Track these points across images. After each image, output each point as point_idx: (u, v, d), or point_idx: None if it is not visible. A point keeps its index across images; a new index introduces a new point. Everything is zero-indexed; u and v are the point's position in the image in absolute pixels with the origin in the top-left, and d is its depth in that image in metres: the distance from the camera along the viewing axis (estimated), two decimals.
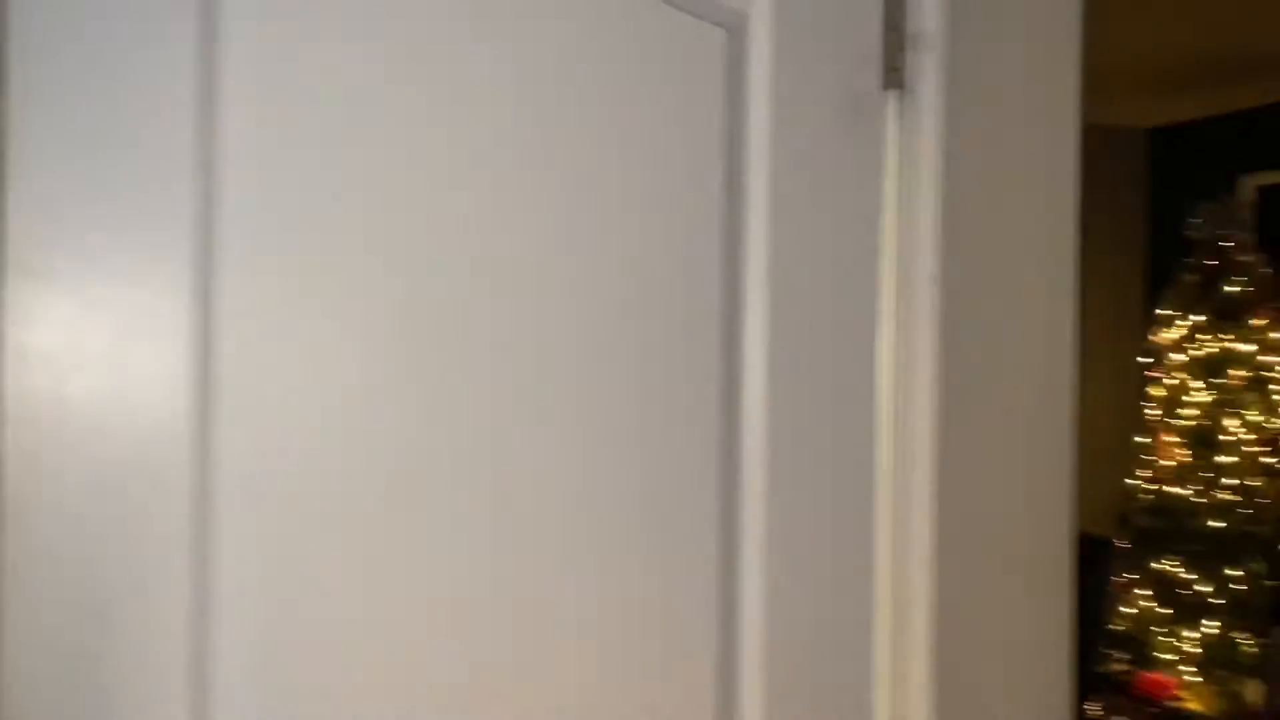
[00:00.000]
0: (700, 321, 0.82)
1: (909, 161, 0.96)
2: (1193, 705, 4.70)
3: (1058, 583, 0.93)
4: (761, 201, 0.86)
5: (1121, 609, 5.06)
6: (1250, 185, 5.98)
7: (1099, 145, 7.12)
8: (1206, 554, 4.75)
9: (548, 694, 0.68)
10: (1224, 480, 4.75)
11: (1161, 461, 4.99)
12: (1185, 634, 4.76)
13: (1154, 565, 4.95)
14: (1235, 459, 4.73)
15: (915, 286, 0.96)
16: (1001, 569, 0.88)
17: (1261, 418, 4.74)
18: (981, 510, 0.88)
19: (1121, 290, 5.87)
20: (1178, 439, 4.94)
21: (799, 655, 0.80)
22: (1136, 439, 5.15)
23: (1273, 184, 5.89)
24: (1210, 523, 4.74)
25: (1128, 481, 5.12)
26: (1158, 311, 5.12)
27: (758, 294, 0.84)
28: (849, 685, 0.83)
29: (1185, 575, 4.79)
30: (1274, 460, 4.69)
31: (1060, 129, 1.12)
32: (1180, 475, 4.90)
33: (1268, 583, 4.63)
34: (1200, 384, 4.90)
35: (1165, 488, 4.93)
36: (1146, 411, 5.11)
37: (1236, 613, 4.64)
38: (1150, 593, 4.94)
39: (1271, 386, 4.81)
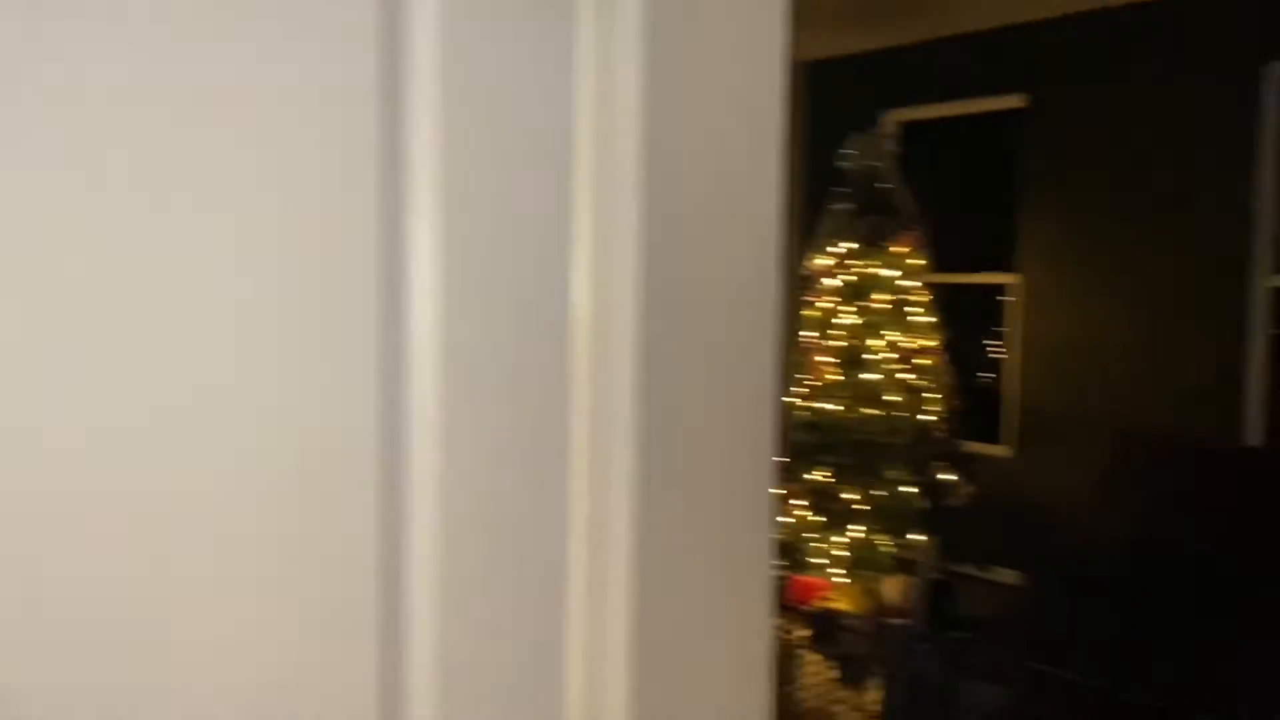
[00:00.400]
0: (356, 225, 0.61)
1: (604, 62, 0.79)
2: (840, 604, 5.08)
3: (758, 505, 0.82)
4: (429, 96, 0.66)
5: (778, 519, 5.37)
6: (894, 120, 6.43)
7: None
8: (854, 465, 5.11)
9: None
10: (869, 396, 5.11)
11: (814, 380, 5.30)
12: (834, 539, 5.12)
13: (807, 476, 5.27)
14: (879, 376, 5.10)
15: (614, 193, 0.79)
16: (705, 489, 0.74)
17: (902, 338, 5.14)
18: (684, 428, 0.73)
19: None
20: (829, 359, 5.25)
21: (475, 576, 0.63)
22: (791, 359, 5.44)
23: (915, 119, 6.37)
24: (857, 436, 5.10)
25: (783, 399, 5.41)
26: (812, 239, 5.38)
27: (426, 198, 0.64)
28: (538, 611, 0.67)
29: (835, 485, 5.14)
30: (912, 377, 5.11)
31: (765, 45, 1.00)
32: (830, 392, 5.23)
33: (905, 490, 5.06)
34: (850, 307, 5.23)
35: (817, 404, 5.24)
36: (801, 334, 5.40)
37: (879, 518, 5.04)
38: (805, 502, 5.27)
39: (909, 309, 5.22)
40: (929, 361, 5.22)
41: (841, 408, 5.17)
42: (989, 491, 5.60)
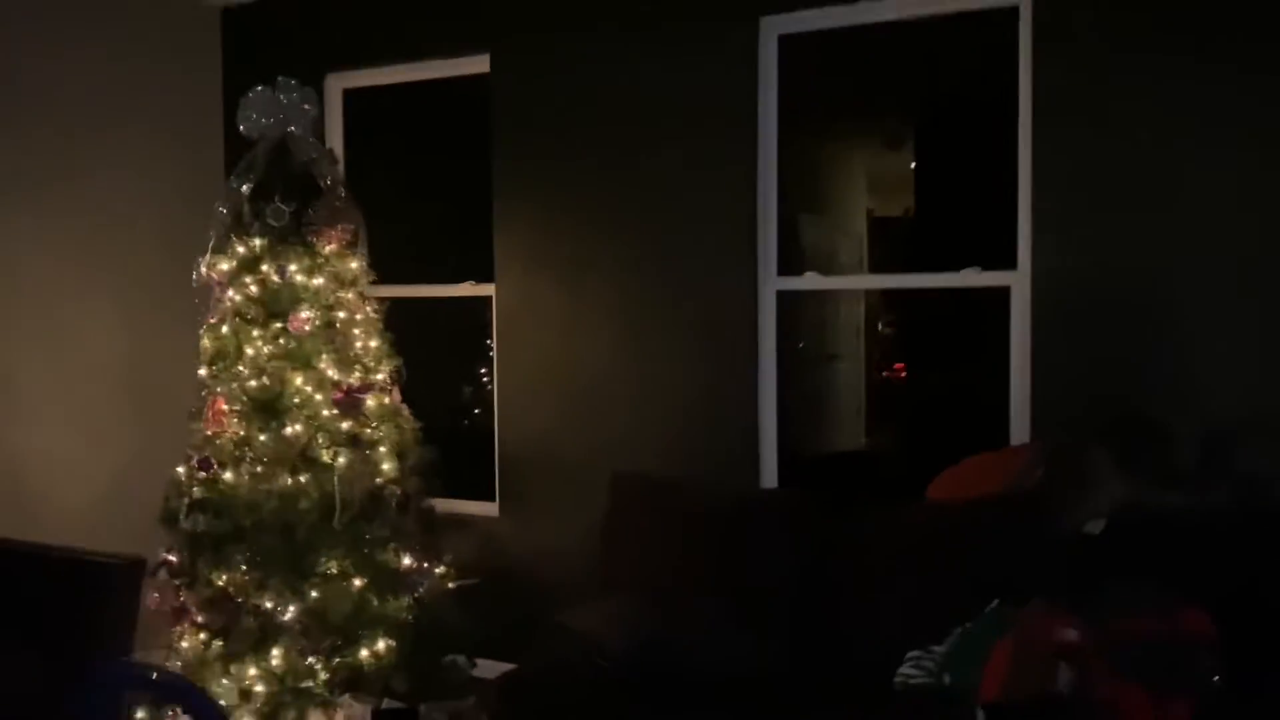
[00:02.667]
0: None
1: None
2: None
3: None
4: None
5: (174, 649, 3.71)
6: (336, 86, 5.03)
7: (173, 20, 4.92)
8: (275, 559, 3.60)
9: None
10: (292, 460, 3.63)
11: (214, 439, 3.72)
12: (249, 670, 3.56)
13: (214, 580, 3.67)
14: (301, 429, 3.64)
15: None
16: None
17: (334, 372, 3.72)
18: None
19: (198, 190, 4.46)
20: (235, 407, 3.70)
21: None
22: (190, 411, 3.82)
23: (359, 86, 5.01)
24: (273, 517, 3.59)
25: (177, 470, 3.76)
26: (211, 236, 3.80)
27: None
28: None
29: (248, 590, 3.59)
30: (348, 425, 3.70)
31: None
32: (238, 457, 3.67)
33: (348, 584, 3.64)
34: (259, 330, 3.72)
35: (221, 474, 3.67)
36: (202, 372, 3.79)
37: (313, 633, 3.57)
38: (203, 619, 3.66)
39: (348, 332, 3.82)
40: (377, 402, 3.85)
41: (248, 478, 3.63)
42: (478, 565, 4.35)
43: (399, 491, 3.83)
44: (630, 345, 4.28)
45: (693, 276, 4.15)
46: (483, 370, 4.98)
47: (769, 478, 4.11)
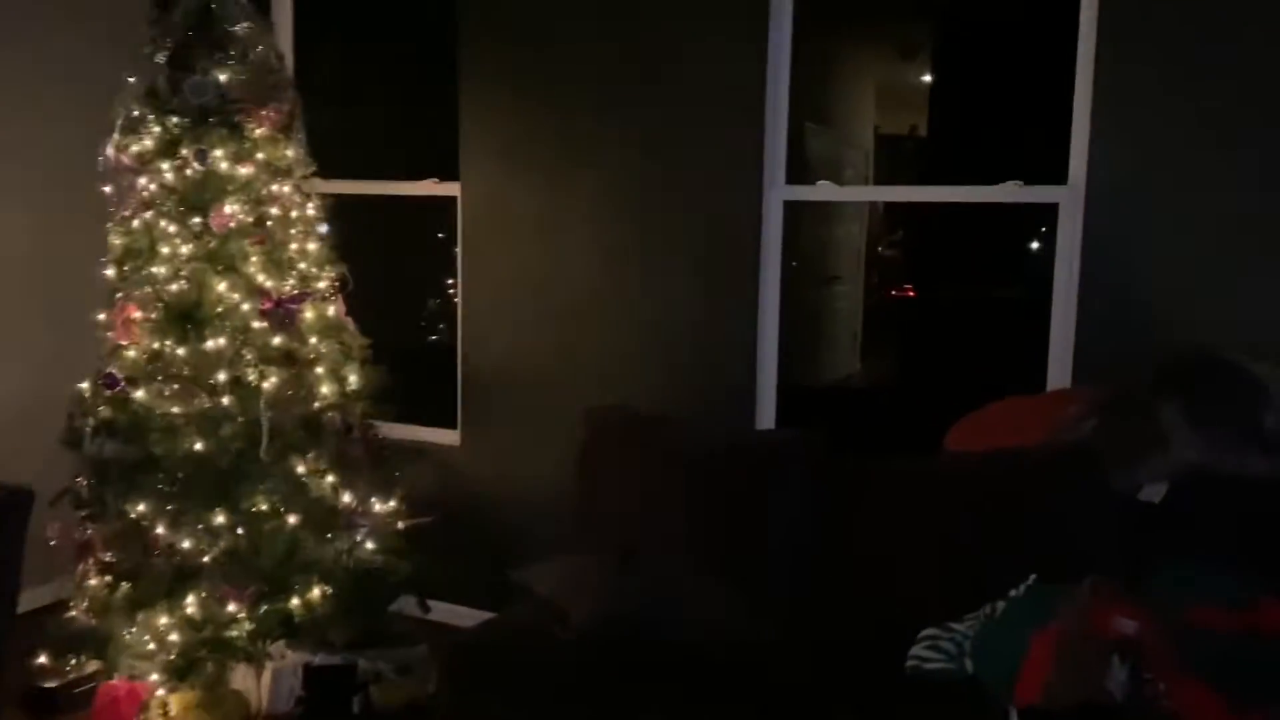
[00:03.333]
0: None
1: None
2: None
3: None
4: None
5: (78, 589, 3.25)
6: None
7: None
8: (194, 491, 3.12)
9: None
10: (213, 378, 3.13)
11: (124, 350, 3.20)
12: (161, 620, 3.10)
13: (125, 513, 3.19)
14: (224, 343, 3.13)
15: None
16: None
17: (264, 277, 3.19)
18: None
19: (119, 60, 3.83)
20: (148, 315, 3.18)
21: None
22: (98, 318, 3.29)
23: None
24: (196, 445, 3.10)
25: (80, 386, 3.25)
26: (114, 110, 3.23)
27: None
28: None
29: (161, 526, 3.11)
30: (279, 340, 3.19)
31: None
32: (151, 373, 3.16)
33: (285, 521, 3.17)
34: (177, 226, 3.17)
35: (132, 393, 3.16)
36: (107, 274, 3.26)
37: (235, 577, 3.10)
38: (110, 558, 3.19)
39: (284, 231, 3.28)
40: (316, 314, 3.33)
41: (167, 399, 3.12)
42: (435, 500, 3.88)
43: (338, 418, 3.33)
44: (615, 256, 3.75)
45: (690, 179, 3.60)
46: (449, 282, 4.45)
47: (765, 414, 3.63)
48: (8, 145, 4.06)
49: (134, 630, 3.15)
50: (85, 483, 3.27)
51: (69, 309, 3.87)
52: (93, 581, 3.24)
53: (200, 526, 3.10)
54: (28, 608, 4.00)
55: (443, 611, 3.85)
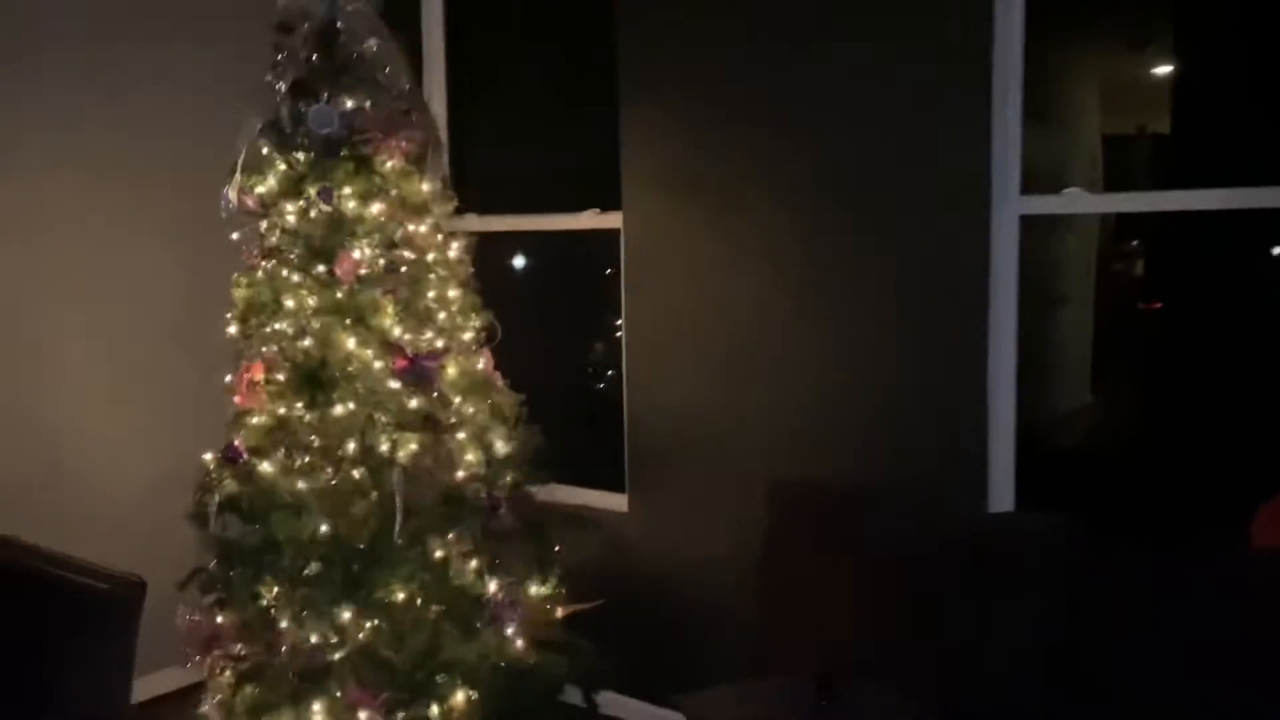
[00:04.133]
0: None
1: None
2: None
3: None
4: None
5: (209, 683, 2.91)
6: None
7: None
8: (321, 580, 2.72)
9: None
10: (342, 449, 2.73)
11: (248, 417, 2.85)
12: None
13: (252, 601, 2.84)
14: (354, 407, 2.72)
15: None
16: None
17: (400, 331, 2.78)
18: None
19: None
20: (274, 376, 2.82)
21: None
22: (228, 384, 2.96)
23: None
24: (322, 526, 2.70)
25: (206, 456, 2.92)
26: (236, 146, 2.90)
27: None
28: None
29: (285, 620, 2.73)
30: (417, 403, 2.76)
31: None
32: (276, 443, 2.80)
33: (424, 613, 2.73)
34: (301, 275, 2.80)
35: (257, 466, 2.80)
36: (232, 331, 2.93)
37: (363, 676, 2.68)
38: (240, 649, 2.83)
39: (425, 279, 2.87)
40: (458, 370, 2.90)
41: (294, 470, 2.75)
42: (602, 576, 3.38)
43: (484, 491, 2.88)
44: (801, 295, 3.16)
45: (892, 201, 2.98)
46: (616, 323, 3.97)
47: (999, 483, 2.93)
48: (148, 192, 3.86)
49: None
50: (213, 565, 2.95)
51: (221, 366, 3.57)
52: (221, 676, 2.90)
53: (328, 621, 2.71)
54: (163, 690, 3.86)
55: (611, 703, 3.34)
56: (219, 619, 2.93)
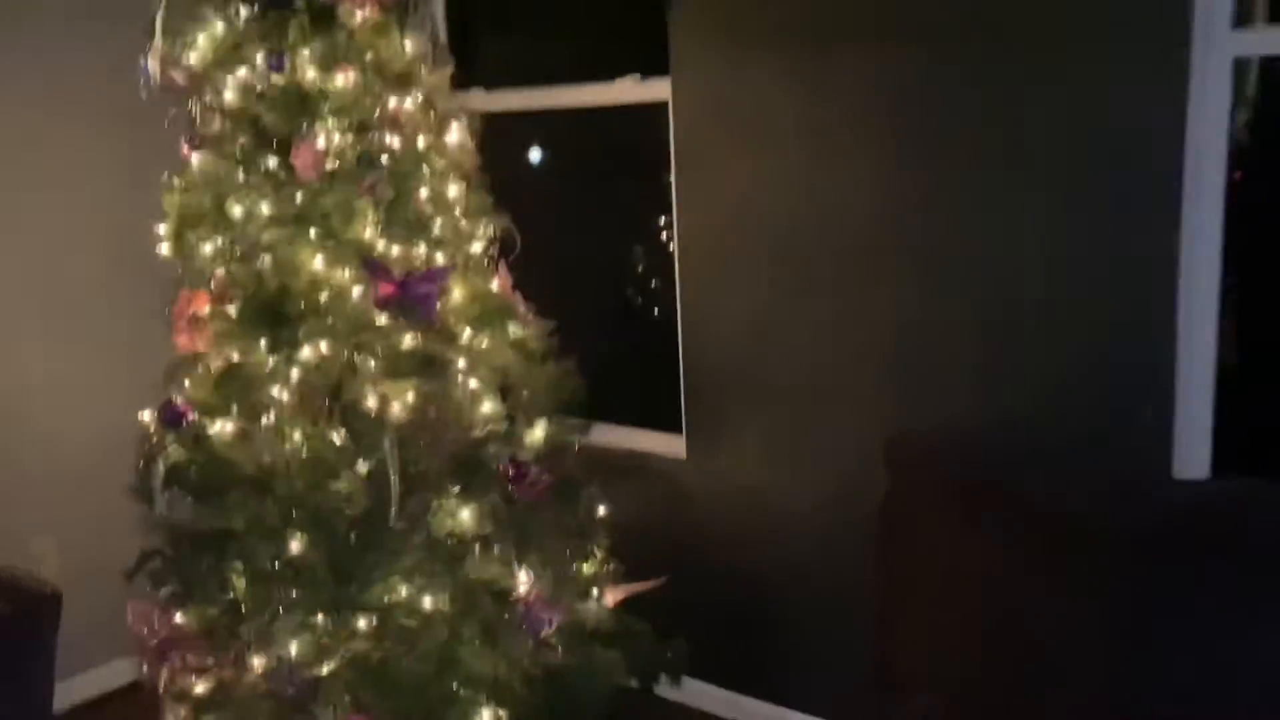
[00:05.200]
0: None
1: None
2: None
3: None
4: None
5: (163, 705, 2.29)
6: None
7: None
8: (298, 579, 2.07)
9: None
10: (315, 405, 2.05)
11: (192, 364, 2.18)
12: None
13: (215, 599, 2.20)
14: (327, 348, 2.04)
15: None
16: None
17: (384, 245, 2.08)
18: None
19: None
20: (222, 309, 2.13)
21: None
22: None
23: None
24: (291, 510, 2.05)
25: (144, 416, 2.25)
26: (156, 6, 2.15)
27: None
28: None
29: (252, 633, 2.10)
30: (411, 339, 2.07)
31: None
32: (227, 398, 2.12)
33: (433, 617, 2.08)
34: (248, 173, 2.09)
35: (207, 428, 2.13)
36: (163, 250, 2.22)
37: (359, 698, 2.05)
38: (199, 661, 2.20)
39: (401, 165, 2.14)
40: (466, 294, 2.20)
41: (250, 437, 2.08)
42: (658, 539, 2.74)
43: (508, 454, 2.20)
44: (919, 179, 2.41)
45: (1048, 40, 2.20)
46: (664, 223, 3.23)
47: (1191, 448, 2.21)
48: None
49: None
50: (166, 553, 2.31)
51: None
52: (181, 691, 2.28)
53: (309, 630, 2.07)
54: (116, 685, 3.17)
55: (678, 689, 2.72)
56: (178, 617, 2.31)
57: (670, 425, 2.97)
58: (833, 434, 2.59)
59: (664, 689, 2.62)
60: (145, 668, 2.30)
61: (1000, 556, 1.79)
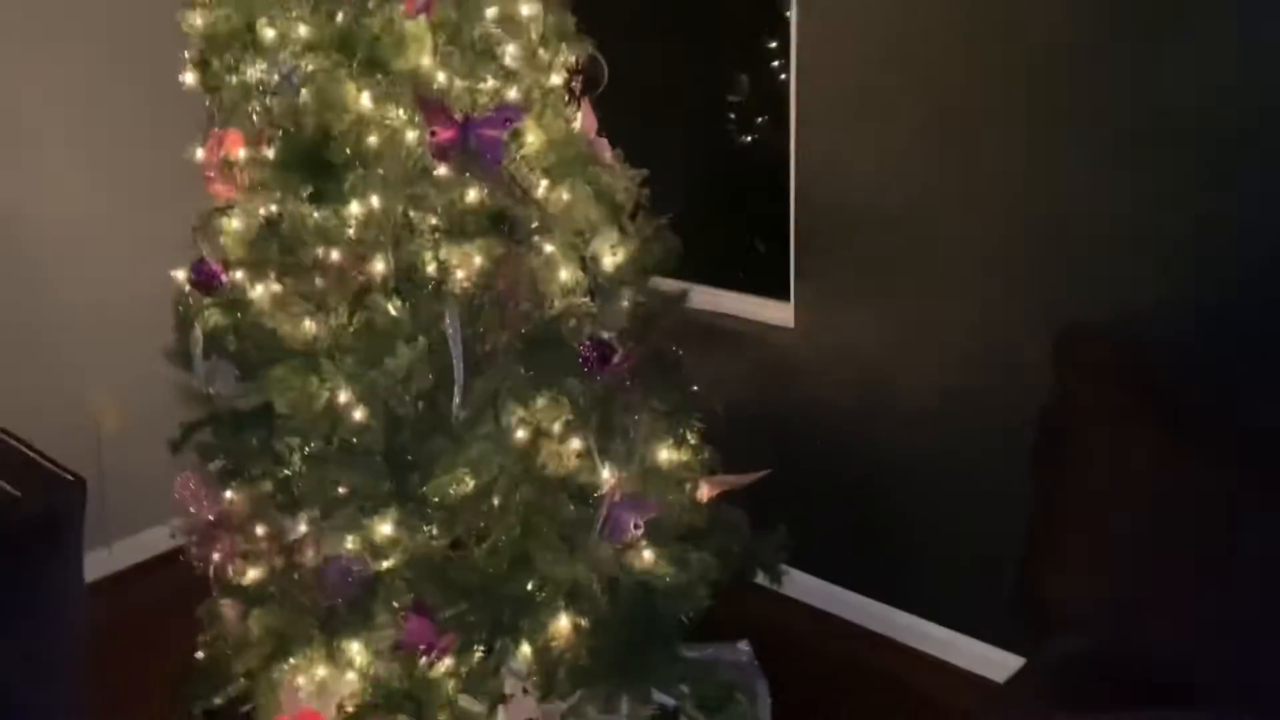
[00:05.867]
0: None
1: None
2: None
3: None
4: None
5: (213, 591, 2.10)
6: None
7: None
8: (348, 469, 1.83)
9: None
10: (362, 270, 1.75)
11: (226, 217, 1.88)
12: (317, 671, 1.91)
13: (266, 479, 1.98)
14: (379, 203, 1.72)
15: None
16: None
17: (442, 74, 1.72)
18: None
19: None
20: (257, 153, 1.82)
21: None
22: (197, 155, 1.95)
23: None
24: (341, 393, 1.78)
25: (178, 276, 1.98)
26: None
27: None
28: None
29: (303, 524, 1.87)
30: (474, 194, 1.74)
31: None
32: (265, 259, 1.83)
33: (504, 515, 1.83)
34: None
35: (248, 291, 1.86)
36: (187, 80, 1.90)
37: (423, 599, 1.83)
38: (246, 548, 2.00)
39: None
40: (541, 138, 1.84)
41: (291, 307, 1.79)
42: (754, 423, 2.44)
43: (591, 332, 1.87)
44: None
45: None
46: (774, 47, 2.78)
47: None
48: None
49: (289, 667, 1.99)
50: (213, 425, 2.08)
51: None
52: (226, 588, 2.08)
53: (364, 531, 1.82)
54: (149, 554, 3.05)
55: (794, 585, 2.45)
56: (228, 496, 2.10)
57: (776, 291, 2.62)
58: (973, 314, 2.21)
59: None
60: (192, 549, 2.11)
61: (1196, 479, 1.44)
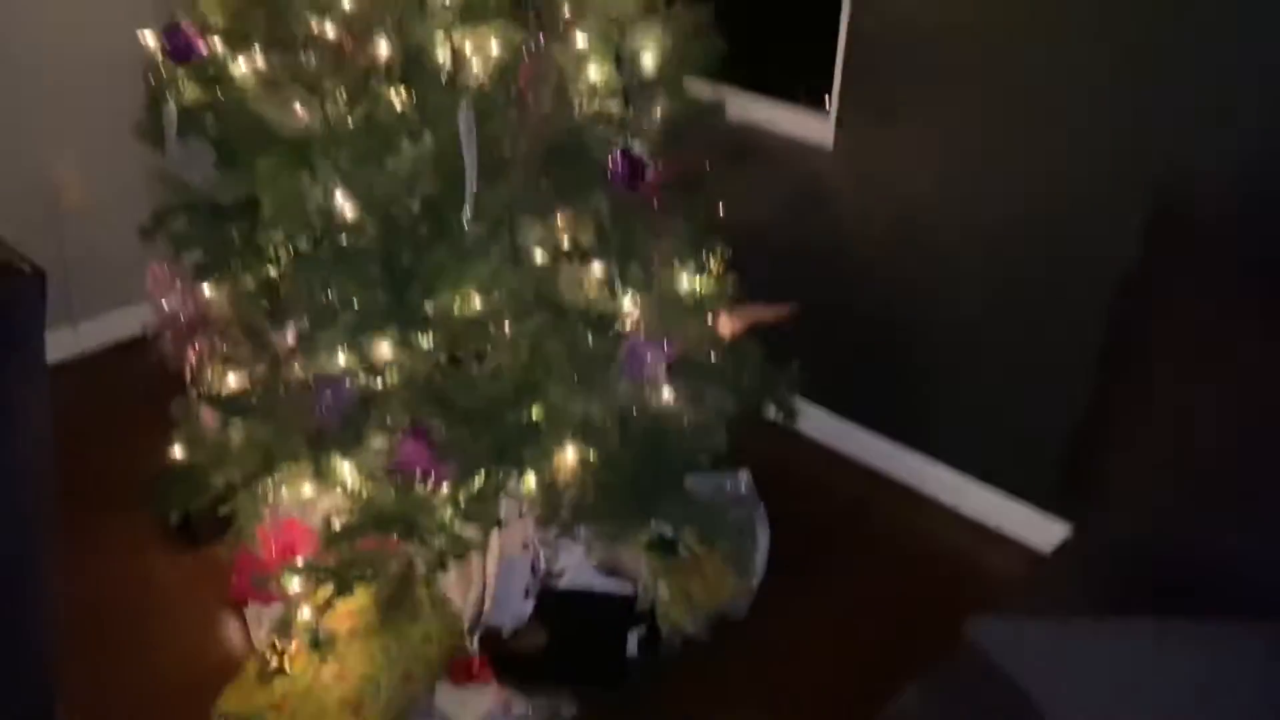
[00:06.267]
0: None
1: None
2: None
3: None
4: None
5: (188, 397, 1.95)
6: None
7: None
8: (345, 269, 1.63)
9: None
10: (363, 55, 1.50)
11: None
12: (304, 488, 1.79)
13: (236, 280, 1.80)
14: None
15: None
16: None
17: None
18: None
19: None
20: None
21: None
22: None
23: None
24: (336, 193, 1.56)
25: (147, 39, 1.71)
26: None
27: None
28: None
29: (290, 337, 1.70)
30: None
31: None
32: (254, 23, 1.57)
33: (513, 339, 1.66)
34: None
35: (230, 66, 1.60)
36: None
37: (420, 422, 1.68)
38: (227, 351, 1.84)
39: None
40: None
41: (276, 86, 1.55)
42: (785, 252, 2.25)
43: (622, 141, 1.65)
44: None
45: None
46: None
47: None
48: None
49: (273, 481, 1.86)
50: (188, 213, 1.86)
51: None
52: (203, 394, 1.92)
53: (359, 336, 1.65)
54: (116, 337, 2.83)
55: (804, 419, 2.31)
56: (205, 290, 1.91)
57: (815, 102, 2.37)
58: (1041, 159, 1.99)
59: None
60: (165, 346, 1.94)
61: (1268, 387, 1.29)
